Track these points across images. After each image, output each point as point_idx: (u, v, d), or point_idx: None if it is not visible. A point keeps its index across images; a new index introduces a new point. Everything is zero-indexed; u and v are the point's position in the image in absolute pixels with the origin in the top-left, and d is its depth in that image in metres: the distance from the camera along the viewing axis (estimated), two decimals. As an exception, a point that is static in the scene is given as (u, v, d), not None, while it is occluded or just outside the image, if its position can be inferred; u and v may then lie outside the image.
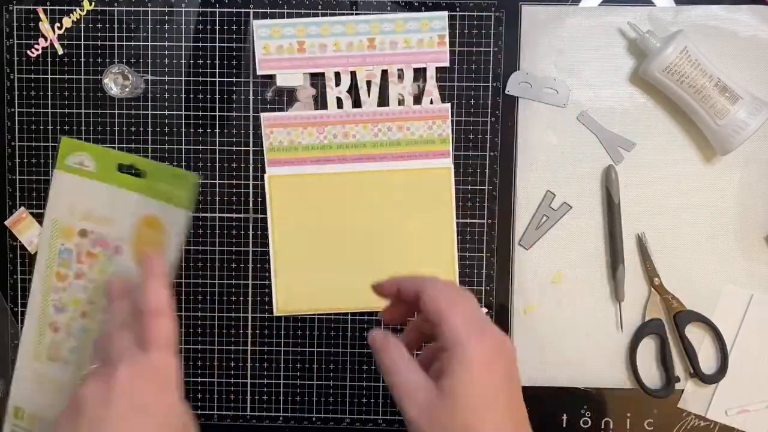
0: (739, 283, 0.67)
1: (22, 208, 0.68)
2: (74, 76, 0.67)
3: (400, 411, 0.44)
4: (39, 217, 0.68)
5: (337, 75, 0.66)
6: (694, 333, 0.67)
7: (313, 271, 0.68)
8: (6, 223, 0.68)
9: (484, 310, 0.67)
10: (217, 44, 0.67)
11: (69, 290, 0.64)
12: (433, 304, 0.45)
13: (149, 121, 0.68)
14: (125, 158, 0.66)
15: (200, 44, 0.67)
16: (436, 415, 0.42)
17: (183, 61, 0.67)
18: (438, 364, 0.45)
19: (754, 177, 0.66)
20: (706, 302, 0.67)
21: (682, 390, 0.67)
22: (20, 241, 0.68)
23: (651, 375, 0.68)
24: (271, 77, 0.67)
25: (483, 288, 0.68)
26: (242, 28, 0.67)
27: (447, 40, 0.66)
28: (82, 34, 0.67)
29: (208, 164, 0.68)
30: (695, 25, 0.65)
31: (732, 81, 0.62)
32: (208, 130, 0.67)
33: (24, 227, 0.68)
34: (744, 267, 0.67)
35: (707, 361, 0.67)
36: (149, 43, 0.67)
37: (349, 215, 0.67)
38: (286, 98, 0.67)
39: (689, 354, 0.66)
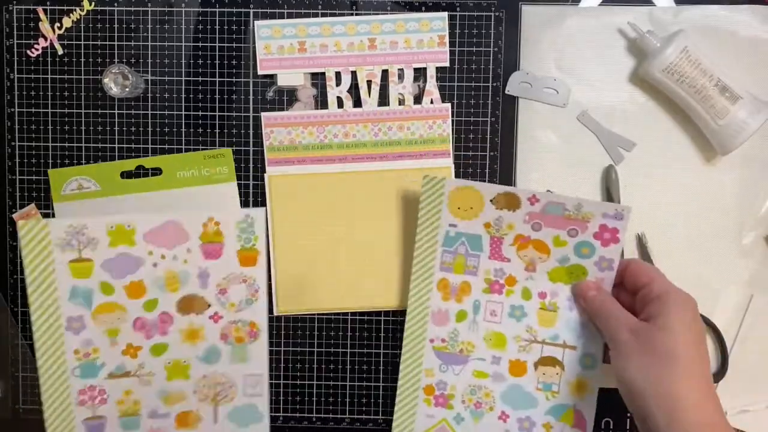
0: (739, 283, 0.67)
1: (33, 204, 0.68)
2: (74, 76, 0.67)
3: (608, 341, 0.57)
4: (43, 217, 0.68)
5: (338, 75, 0.66)
6: (694, 333, 0.67)
7: (314, 271, 0.68)
8: (14, 216, 0.68)
9: None
10: (217, 44, 0.67)
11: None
12: (639, 267, 0.58)
13: (149, 121, 0.68)
14: (127, 164, 0.67)
15: (200, 44, 0.67)
16: (648, 339, 0.53)
17: (183, 61, 0.67)
18: (644, 313, 0.56)
19: (754, 177, 0.66)
20: (706, 302, 0.67)
21: (682, 390, 0.67)
22: (19, 243, 0.68)
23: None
24: (272, 77, 0.67)
25: (483, 288, 0.68)
26: (242, 28, 0.67)
27: (447, 40, 0.66)
28: (82, 34, 0.67)
29: (208, 164, 0.68)
30: (695, 25, 0.65)
31: (732, 81, 0.62)
32: (208, 130, 0.67)
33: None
34: (744, 267, 0.67)
35: (707, 361, 0.67)
36: (149, 43, 0.67)
37: (350, 215, 0.67)
38: (286, 98, 0.67)
39: (689, 354, 0.66)
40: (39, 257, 0.60)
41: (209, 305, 0.62)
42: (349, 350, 0.69)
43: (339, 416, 0.69)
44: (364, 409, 0.69)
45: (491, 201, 0.61)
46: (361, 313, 0.68)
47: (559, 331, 0.62)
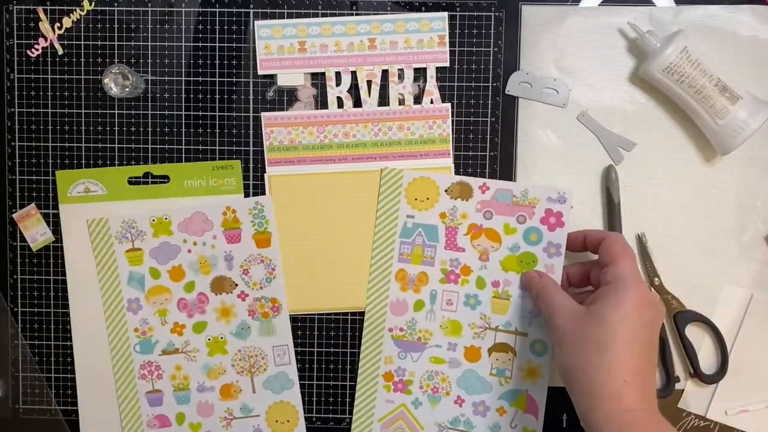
0: (739, 283, 0.67)
1: (33, 204, 0.68)
2: (74, 76, 0.67)
3: (547, 325, 0.58)
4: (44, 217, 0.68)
5: (338, 75, 0.66)
6: (694, 333, 0.67)
7: (314, 271, 0.67)
8: (14, 216, 0.68)
9: None
10: (217, 44, 0.67)
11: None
12: (611, 247, 0.57)
13: (149, 121, 0.67)
14: (135, 170, 0.68)
15: (200, 44, 0.67)
16: (580, 325, 0.54)
17: (183, 61, 0.67)
18: (591, 298, 0.56)
19: (754, 177, 0.66)
20: (706, 302, 0.67)
21: (682, 390, 0.67)
22: (19, 243, 0.68)
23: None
24: (272, 77, 0.67)
25: (483, 288, 0.68)
26: (242, 28, 0.67)
27: (447, 40, 0.66)
28: (82, 34, 0.67)
29: (208, 164, 0.68)
30: (695, 25, 0.65)
31: (732, 81, 0.62)
32: (208, 130, 0.67)
33: (31, 224, 0.68)
34: (744, 267, 0.67)
35: (707, 361, 0.67)
36: (149, 43, 0.67)
37: (349, 215, 0.67)
38: (286, 98, 0.67)
39: (689, 354, 0.66)
40: (104, 249, 0.68)
41: (236, 285, 0.68)
42: (349, 350, 0.69)
43: (339, 416, 0.69)
44: (364, 409, 0.69)
45: (446, 191, 0.64)
46: (361, 313, 0.68)
47: (511, 318, 0.64)
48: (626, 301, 0.53)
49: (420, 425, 0.66)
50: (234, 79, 0.67)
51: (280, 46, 0.66)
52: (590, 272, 0.62)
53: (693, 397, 0.67)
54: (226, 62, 0.67)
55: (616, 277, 0.55)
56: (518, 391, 0.65)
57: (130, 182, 0.68)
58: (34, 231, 0.68)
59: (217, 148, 0.67)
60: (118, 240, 0.67)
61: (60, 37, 0.67)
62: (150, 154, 0.68)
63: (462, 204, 0.64)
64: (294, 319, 0.68)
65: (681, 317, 0.66)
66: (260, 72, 0.66)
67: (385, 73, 0.66)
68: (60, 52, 0.67)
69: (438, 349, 0.66)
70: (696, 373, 0.66)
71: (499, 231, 0.64)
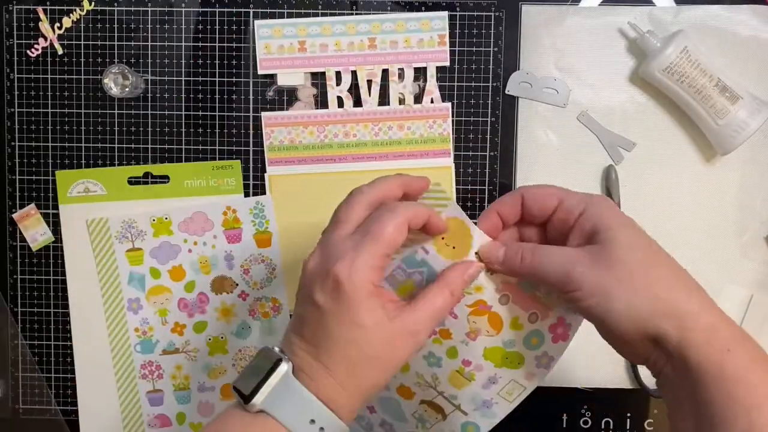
0: (739, 283, 0.67)
1: (33, 204, 0.68)
2: (74, 76, 0.67)
3: (564, 293, 0.45)
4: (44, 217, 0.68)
5: (338, 74, 0.66)
6: (694, 333, 0.67)
7: (314, 271, 0.67)
8: (14, 216, 0.68)
9: None
10: (217, 44, 0.67)
11: None
12: (541, 190, 0.47)
13: (149, 121, 0.67)
14: (135, 170, 0.68)
15: (200, 44, 0.67)
16: (595, 259, 0.43)
17: (183, 61, 0.67)
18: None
19: (754, 177, 0.66)
20: (706, 302, 0.67)
21: (683, 390, 0.67)
22: (19, 243, 0.68)
23: (651, 375, 0.67)
24: (272, 77, 0.67)
25: (483, 288, 0.68)
26: (242, 28, 0.67)
27: (447, 39, 0.66)
28: (82, 34, 0.67)
29: (209, 164, 0.68)
30: (695, 25, 0.65)
31: (732, 81, 0.62)
32: (208, 130, 0.67)
33: (31, 224, 0.68)
34: (744, 267, 0.67)
35: (707, 361, 0.67)
36: (149, 43, 0.67)
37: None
38: (286, 98, 0.67)
39: (689, 354, 0.66)
40: (104, 249, 0.68)
41: (236, 285, 0.68)
42: (349, 350, 0.68)
43: (339, 416, 0.69)
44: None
45: (476, 253, 0.50)
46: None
47: (461, 396, 0.54)
48: (626, 227, 0.45)
49: None
50: (234, 79, 0.67)
51: (280, 46, 0.66)
52: (553, 216, 0.48)
53: (693, 397, 0.67)
54: (226, 62, 0.67)
55: (585, 204, 0.46)
56: None
57: (130, 182, 0.67)
58: (34, 231, 0.68)
59: (217, 148, 0.67)
60: (118, 240, 0.67)
61: (60, 37, 0.67)
62: (150, 154, 0.68)
63: (484, 276, 0.51)
64: (294, 319, 0.68)
65: (681, 317, 0.66)
66: (260, 72, 0.66)
67: (385, 72, 0.66)
68: (60, 52, 0.67)
69: None
70: (696, 373, 0.66)
71: (505, 321, 0.52)
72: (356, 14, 0.66)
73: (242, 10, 0.66)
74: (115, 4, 0.67)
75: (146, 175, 0.67)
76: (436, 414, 0.56)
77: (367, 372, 0.44)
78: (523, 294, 0.51)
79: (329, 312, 0.43)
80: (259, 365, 0.44)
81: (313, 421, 0.42)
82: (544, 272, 0.46)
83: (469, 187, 0.67)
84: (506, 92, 0.66)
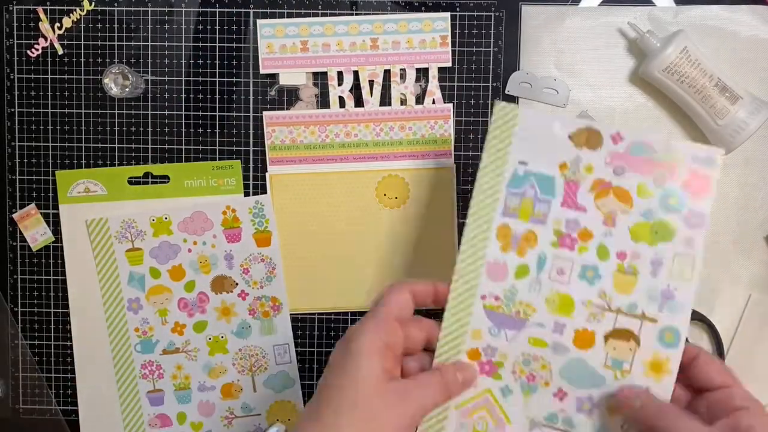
0: (738, 283, 0.67)
1: (33, 204, 0.68)
2: (74, 76, 0.67)
3: None
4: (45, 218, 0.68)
5: (340, 74, 0.66)
6: (692, 333, 0.67)
7: (314, 271, 0.68)
8: (14, 216, 0.68)
9: None
10: (217, 44, 0.67)
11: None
12: (715, 365, 0.50)
13: (149, 121, 0.67)
14: (135, 170, 0.68)
15: (200, 44, 0.67)
16: None
17: (183, 61, 0.67)
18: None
19: (754, 177, 0.66)
20: (705, 302, 0.67)
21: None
22: (19, 243, 0.68)
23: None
24: (273, 76, 0.67)
25: (484, 287, 0.68)
26: (242, 28, 0.67)
27: (449, 40, 0.66)
28: (82, 34, 0.67)
29: (209, 164, 0.68)
30: (695, 25, 0.65)
31: (732, 81, 0.62)
32: (208, 130, 0.67)
33: (31, 224, 0.68)
34: (743, 267, 0.67)
35: (707, 360, 0.67)
36: (149, 43, 0.67)
37: (350, 214, 0.67)
38: (287, 97, 0.67)
39: (689, 353, 0.66)
40: (104, 249, 0.68)
41: (236, 284, 0.68)
42: (349, 350, 0.69)
43: (340, 416, 0.69)
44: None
45: (569, 137, 0.52)
46: (361, 313, 0.68)
47: (637, 299, 0.51)
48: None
49: (507, 418, 0.53)
50: (234, 79, 0.67)
51: (282, 45, 0.66)
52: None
53: (693, 395, 0.68)
54: (226, 62, 0.67)
55: (747, 405, 0.48)
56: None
57: (130, 182, 0.67)
58: (34, 231, 0.68)
59: (217, 148, 0.67)
60: (118, 240, 0.67)
61: (60, 37, 0.67)
62: (150, 154, 0.68)
63: (588, 154, 0.51)
64: (294, 318, 0.68)
65: (681, 316, 0.66)
66: (262, 71, 0.66)
67: (387, 73, 0.66)
68: (60, 52, 0.67)
69: (540, 329, 0.52)
70: (696, 372, 0.66)
71: (631, 191, 0.51)
72: (357, 14, 0.66)
73: (242, 10, 0.66)
74: (115, 4, 0.67)
75: (146, 175, 0.67)
76: (627, 345, 0.52)
77: (353, 422, 0.45)
78: (637, 159, 0.51)
79: (335, 363, 0.47)
80: None
81: None
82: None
83: (471, 187, 0.67)
84: (506, 92, 0.67)
